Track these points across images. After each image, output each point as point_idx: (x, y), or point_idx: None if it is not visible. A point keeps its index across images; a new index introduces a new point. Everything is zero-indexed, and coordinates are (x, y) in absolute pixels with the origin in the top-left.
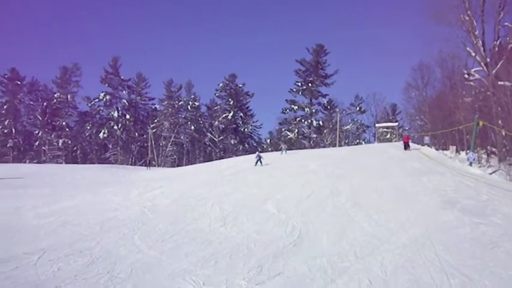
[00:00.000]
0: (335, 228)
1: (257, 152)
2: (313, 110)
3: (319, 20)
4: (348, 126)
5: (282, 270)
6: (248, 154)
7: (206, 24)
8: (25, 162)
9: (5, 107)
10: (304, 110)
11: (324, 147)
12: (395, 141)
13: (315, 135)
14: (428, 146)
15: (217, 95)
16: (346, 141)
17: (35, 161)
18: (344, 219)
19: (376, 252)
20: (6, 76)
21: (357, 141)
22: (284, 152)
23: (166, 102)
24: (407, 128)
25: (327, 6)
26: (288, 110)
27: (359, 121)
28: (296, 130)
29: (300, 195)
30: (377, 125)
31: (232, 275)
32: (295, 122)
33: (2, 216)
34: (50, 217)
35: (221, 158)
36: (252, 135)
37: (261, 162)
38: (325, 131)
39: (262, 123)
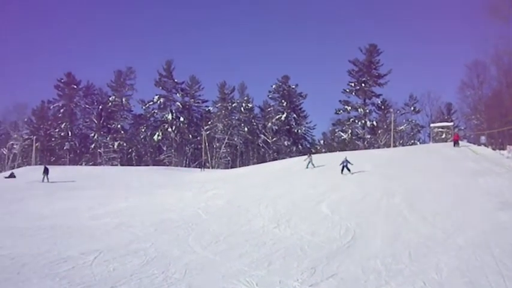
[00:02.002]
0: (389, 230)
1: (308, 154)
2: (367, 111)
3: (372, 18)
4: (402, 127)
5: (335, 272)
6: (301, 155)
7: (258, 26)
8: (81, 164)
9: (61, 110)
10: (357, 111)
11: (378, 147)
12: (450, 141)
13: (368, 136)
14: (485, 145)
15: (270, 96)
16: (401, 141)
17: (90, 163)
18: (398, 221)
19: (431, 254)
20: (62, 80)
21: (412, 141)
22: (310, 164)
23: (219, 104)
24: (462, 128)
25: (379, 4)
26: (341, 111)
27: (413, 121)
28: (350, 131)
29: (354, 196)
30: (432, 125)
31: (286, 276)
32: (348, 123)
33: (60, 217)
34: (105, 218)
35: (274, 159)
36: (306, 136)
37: (312, 164)
38: (379, 132)
39: (315, 124)
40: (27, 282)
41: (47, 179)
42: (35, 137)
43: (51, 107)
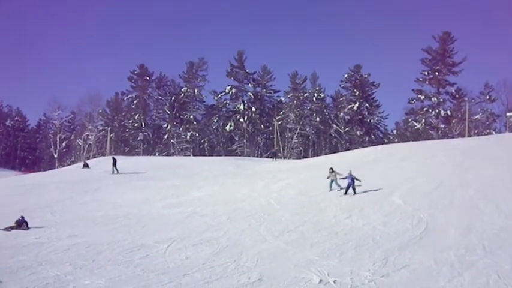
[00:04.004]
0: (463, 221)
1: (331, 170)
2: (441, 100)
3: (445, 5)
4: (477, 116)
5: (407, 263)
6: (374, 145)
7: (328, 15)
8: (154, 154)
9: (135, 101)
10: (431, 100)
11: (452, 137)
12: None
13: (442, 126)
14: None
15: (342, 86)
16: (476, 131)
17: (164, 154)
18: (473, 212)
19: (507, 246)
20: (135, 72)
21: (487, 131)
22: (334, 184)
23: (291, 94)
24: None
25: None
26: (414, 100)
27: (489, 110)
28: (423, 120)
29: (427, 186)
30: (508, 114)
31: (357, 266)
32: (422, 112)
33: (134, 207)
34: (178, 208)
35: (347, 149)
36: (378, 126)
37: (337, 184)
38: (453, 121)
39: (388, 113)
40: (102, 269)
41: (116, 170)
42: (109, 128)
43: (125, 99)
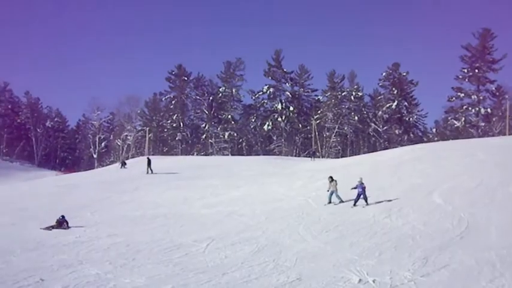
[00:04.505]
0: (504, 220)
1: (330, 179)
2: (481, 97)
3: (485, 1)
4: None
5: (448, 263)
6: (413, 144)
7: (365, 15)
8: (193, 154)
9: (173, 102)
10: (471, 98)
11: (492, 136)
12: None
13: (482, 124)
14: None
15: (380, 84)
16: None
17: (202, 153)
18: None
19: None
20: (173, 72)
21: None
22: (334, 196)
23: (329, 93)
24: None
25: None
26: (454, 98)
27: None
28: (463, 118)
29: (467, 185)
30: None
31: (397, 266)
32: (461, 110)
33: (173, 206)
34: (217, 207)
35: (385, 148)
36: (417, 124)
37: (337, 196)
38: (493, 119)
39: (427, 112)
40: (142, 268)
41: (151, 170)
42: (147, 128)
43: (163, 99)
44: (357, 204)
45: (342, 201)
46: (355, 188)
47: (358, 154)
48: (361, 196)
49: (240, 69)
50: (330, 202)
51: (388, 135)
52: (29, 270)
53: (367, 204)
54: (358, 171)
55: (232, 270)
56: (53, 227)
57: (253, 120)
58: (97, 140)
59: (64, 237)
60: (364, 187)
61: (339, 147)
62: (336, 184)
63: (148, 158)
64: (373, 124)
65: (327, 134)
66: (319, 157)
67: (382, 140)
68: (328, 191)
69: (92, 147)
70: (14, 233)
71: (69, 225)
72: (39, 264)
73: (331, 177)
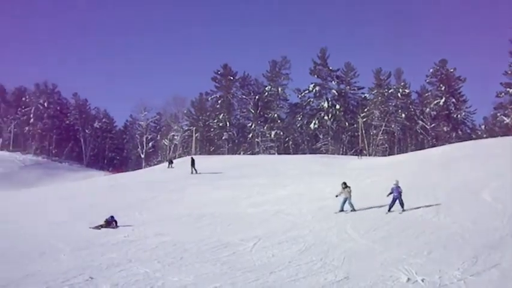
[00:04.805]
0: None
1: (344, 185)
2: None
3: None
4: None
5: (498, 262)
6: (461, 141)
7: (412, 11)
8: (239, 153)
9: (219, 101)
10: None
11: None
12: None
13: None
14: None
15: (427, 81)
16: None
17: (249, 153)
18: None
19: None
20: (219, 72)
21: None
22: (348, 204)
23: (375, 91)
24: None
25: None
26: (502, 94)
27: None
28: None
29: None
30: None
31: (446, 265)
32: (511, 106)
33: (219, 205)
34: (264, 206)
35: (433, 146)
36: (465, 121)
37: (351, 204)
38: None
39: (476, 108)
40: (189, 267)
41: (195, 170)
42: (194, 128)
43: (209, 99)
44: (392, 210)
45: (354, 210)
46: (391, 193)
47: (406, 152)
48: (398, 200)
49: (286, 68)
50: (341, 210)
51: (436, 132)
52: (78, 269)
53: (404, 210)
54: (406, 169)
55: (280, 269)
56: (101, 226)
57: (299, 118)
58: (144, 140)
59: (113, 236)
60: (401, 191)
61: (386, 145)
62: (350, 191)
63: (192, 157)
64: (420, 121)
65: (374, 132)
66: (366, 155)
67: (430, 137)
68: (337, 196)
69: (140, 147)
70: (63, 232)
71: (118, 224)
72: (89, 263)
73: (344, 183)
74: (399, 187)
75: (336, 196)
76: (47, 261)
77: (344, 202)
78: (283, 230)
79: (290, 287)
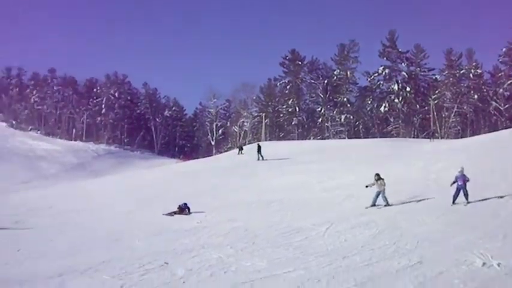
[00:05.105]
0: None
1: (377, 177)
2: None
3: None
4: None
5: None
6: None
7: None
8: (309, 138)
9: (288, 87)
10: None
11: None
12: None
13: None
14: None
15: (500, 60)
16: None
17: (318, 137)
18: None
19: None
20: (287, 57)
21: None
22: (382, 197)
23: (446, 72)
24: None
25: None
26: None
27: None
28: None
29: None
30: None
31: None
32: None
33: (290, 190)
34: (334, 190)
35: (507, 127)
36: None
37: (384, 198)
38: None
39: None
40: (262, 252)
41: (261, 156)
42: (263, 114)
43: (278, 84)
44: (456, 202)
45: (388, 204)
46: (454, 182)
47: (479, 134)
48: (463, 191)
49: (354, 51)
50: (373, 205)
51: (510, 113)
52: (153, 254)
53: (468, 202)
54: (479, 151)
55: (353, 253)
56: (174, 213)
57: (369, 102)
58: (214, 127)
59: (185, 222)
60: (467, 180)
61: (458, 127)
62: (384, 184)
63: (258, 144)
64: (494, 102)
65: (446, 114)
66: (438, 138)
67: (503, 118)
68: (367, 187)
69: (210, 134)
70: (137, 219)
71: (190, 211)
72: (163, 249)
73: (377, 174)
74: (464, 175)
75: (366, 187)
76: (123, 247)
77: (377, 196)
78: (355, 215)
79: (364, 271)
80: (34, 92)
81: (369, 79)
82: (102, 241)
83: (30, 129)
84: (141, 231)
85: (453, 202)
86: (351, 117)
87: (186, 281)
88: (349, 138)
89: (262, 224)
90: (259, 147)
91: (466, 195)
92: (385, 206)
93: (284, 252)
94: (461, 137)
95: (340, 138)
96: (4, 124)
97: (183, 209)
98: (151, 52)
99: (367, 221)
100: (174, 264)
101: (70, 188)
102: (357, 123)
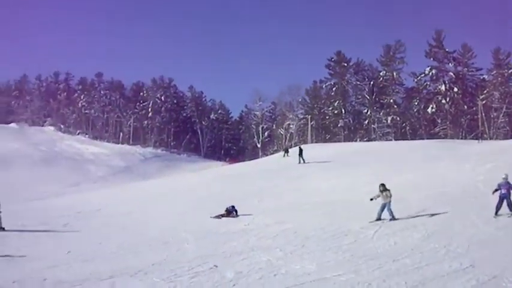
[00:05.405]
0: None
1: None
2: None
3: None
4: None
5: None
6: None
7: None
8: (356, 140)
9: (334, 88)
10: None
11: None
12: None
13: None
14: None
15: None
16: None
17: (365, 139)
18: None
19: None
20: (333, 59)
21: None
22: (387, 210)
23: (494, 72)
24: None
25: None
26: None
27: None
28: None
29: None
30: None
31: None
32: None
33: (338, 193)
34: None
35: None
36: None
37: None
38: None
39: None
40: (311, 255)
41: (303, 160)
42: (309, 116)
43: (324, 86)
44: (499, 213)
45: (394, 218)
46: (496, 190)
47: None
48: (506, 200)
49: (400, 52)
50: (379, 219)
51: None
52: (202, 257)
53: None
54: None
55: (403, 256)
56: (222, 216)
57: (416, 103)
58: (260, 129)
59: (233, 225)
60: (511, 188)
61: (507, 127)
62: (390, 195)
63: (300, 147)
64: None
65: (494, 114)
66: (486, 139)
67: None
68: (372, 200)
69: (256, 137)
70: (185, 222)
71: (238, 213)
72: (212, 251)
73: (383, 184)
74: (509, 183)
75: (371, 200)
76: (171, 250)
77: (382, 209)
78: (404, 217)
79: (414, 275)
80: (82, 97)
81: (415, 80)
82: (150, 244)
83: (78, 133)
84: (190, 234)
85: (496, 213)
86: (398, 118)
87: (236, 284)
88: (396, 139)
89: (311, 226)
90: (300, 150)
91: (510, 205)
92: (390, 220)
93: (333, 255)
94: (511, 138)
95: (386, 140)
96: (52, 128)
97: (231, 212)
98: (196, 55)
99: (416, 223)
100: (223, 267)
101: (118, 191)
102: (404, 124)
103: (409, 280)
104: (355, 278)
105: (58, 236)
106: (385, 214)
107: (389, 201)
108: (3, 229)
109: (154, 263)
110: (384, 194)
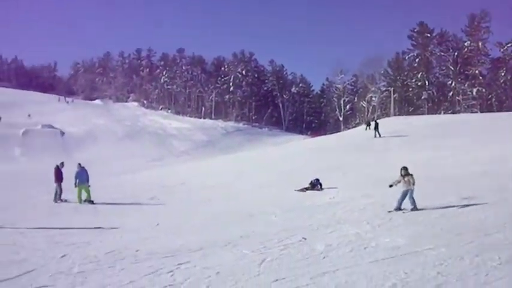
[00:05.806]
0: None
1: None
2: None
3: None
4: None
5: None
6: None
7: None
8: (440, 113)
9: (417, 60)
10: None
11: None
12: None
13: None
14: None
15: None
16: None
17: (449, 112)
18: None
19: None
20: (415, 30)
21: None
22: (409, 198)
23: None
24: None
25: None
26: None
27: None
28: None
29: None
30: None
31: None
32: None
33: (422, 166)
34: (469, 166)
35: None
36: None
37: None
38: None
39: None
40: (400, 228)
41: (378, 134)
42: (392, 89)
43: (406, 58)
44: None
45: (416, 208)
46: None
47: None
48: None
49: (486, 21)
50: (399, 209)
51: None
52: (289, 230)
53: None
54: None
55: (495, 231)
56: (306, 189)
57: (502, 74)
58: (342, 102)
59: (318, 198)
60: None
61: None
62: (414, 182)
63: (376, 121)
64: None
65: None
66: None
67: None
68: (391, 186)
69: (337, 110)
70: (270, 195)
71: (322, 186)
72: (298, 224)
73: (405, 168)
74: None
75: (390, 186)
76: (258, 223)
77: (404, 197)
78: (494, 191)
79: (508, 250)
80: (164, 72)
81: (501, 50)
82: (237, 217)
83: (161, 109)
84: (275, 207)
85: None
86: (483, 90)
87: (326, 256)
88: (481, 112)
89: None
90: (376, 124)
91: None
92: (411, 210)
93: (422, 229)
94: None
95: (472, 112)
96: (136, 104)
97: (315, 185)
98: (277, 29)
99: (506, 197)
100: (312, 239)
101: (201, 165)
102: (490, 96)
103: (502, 255)
104: (446, 252)
105: (145, 209)
106: (406, 203)
107: (412, 188)
108: (93, 202)
109: (242, 235)
110: (406, 179)
